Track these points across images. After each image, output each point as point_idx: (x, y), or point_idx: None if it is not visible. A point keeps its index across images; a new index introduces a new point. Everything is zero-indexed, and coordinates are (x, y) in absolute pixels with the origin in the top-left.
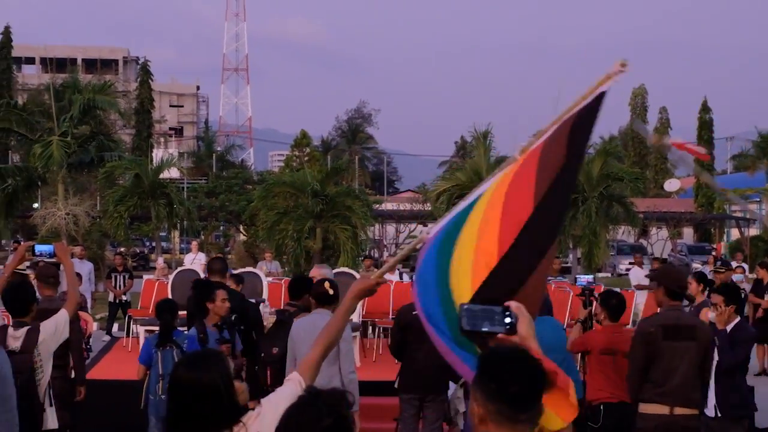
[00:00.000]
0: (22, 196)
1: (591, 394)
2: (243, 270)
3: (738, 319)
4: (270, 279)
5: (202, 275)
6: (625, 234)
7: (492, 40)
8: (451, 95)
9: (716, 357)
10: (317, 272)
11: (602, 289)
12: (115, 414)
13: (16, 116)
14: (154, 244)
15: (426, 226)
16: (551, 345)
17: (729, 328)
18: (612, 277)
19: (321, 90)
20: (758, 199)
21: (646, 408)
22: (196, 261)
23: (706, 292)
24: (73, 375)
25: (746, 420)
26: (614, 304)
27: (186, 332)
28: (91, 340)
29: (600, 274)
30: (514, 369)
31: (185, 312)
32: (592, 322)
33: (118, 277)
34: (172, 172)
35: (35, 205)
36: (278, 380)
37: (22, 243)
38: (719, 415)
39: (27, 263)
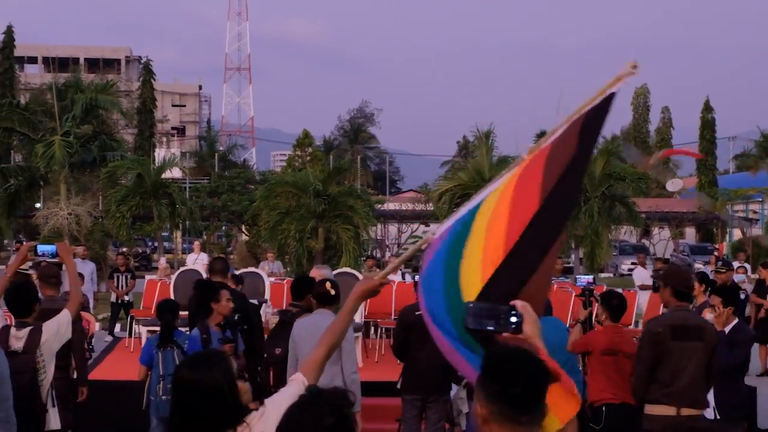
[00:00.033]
0: (25, 196)
1: (593, 395)
2: (245, 270)
3: (736, 320)
4: (272, 279)
5: (205, 275)
6: (627, 234)
7: (493, 40)
8: (454, 95)
9: None
10: (317, 273)
11: (603, 290)
12: (117, 414)
13: (19, 116)
14: (156, 244)
15: (428, 226)
16: (555, 345)
17: (727, 329)
18: (614, 277)
19: (323, 90)
20: (760, 199)
21: (652, 409)
22: (198, 261)
23: (708, 293)
24: (74, 375)
25: (745, 421)
26: (615, 304)
27: (187, 333)
28: (93, 340)
29: (602, 275)
30: (517, 370)
31: (187, 312)
32: (592, 323)
33: (121, 277)
34: (175, 172)
35: (37, 205)
36: (281, 381)
37: (24, 243)
38: (718, 416)
39: (29, 263)
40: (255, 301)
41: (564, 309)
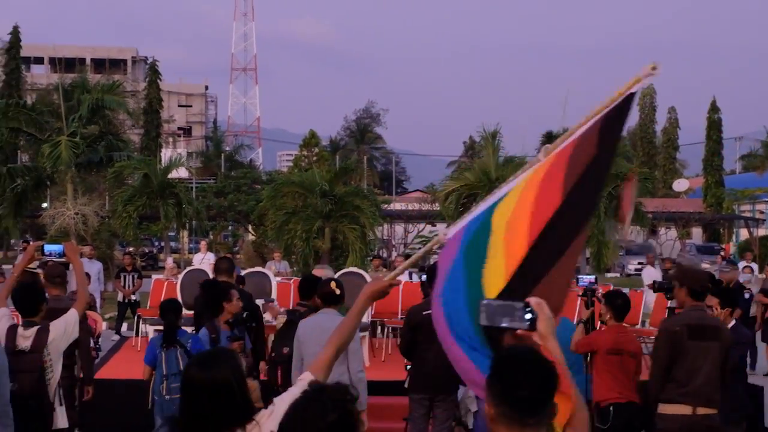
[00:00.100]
0: (31, 196)
1: (599, 395)
2: (252, 270)
3: (734, 321)
4: (279, 279)
5: (211, 275)
6: (633, 234)
7: (500, 41)
8: (460, 95)
9: None
10: (319, 273)
11: (609, 289)
12: (124, 414)
13: (25, 116)
14: (162, 243)
15: (435, 226)
16: (564, 345)
17: None
18: (621, 277)
19: (329, 90)
20: (767, 199)
21: (666, 408)
22: (205, 261)
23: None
24: (80, 374)
25: (744, 422)
26: (620, 304)
27: (192, 332)
28: (100, 339)
29: (609, 274)
30: (524, 372)
31: (193, 312)
32: (594, 323)
33: (127, 276)
34: (181, 172)
35: (44, 205)
36: (289, 380)
37: (31, 243)
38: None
39: (36, 263)
40: (262, 301)
41: (567, 309)
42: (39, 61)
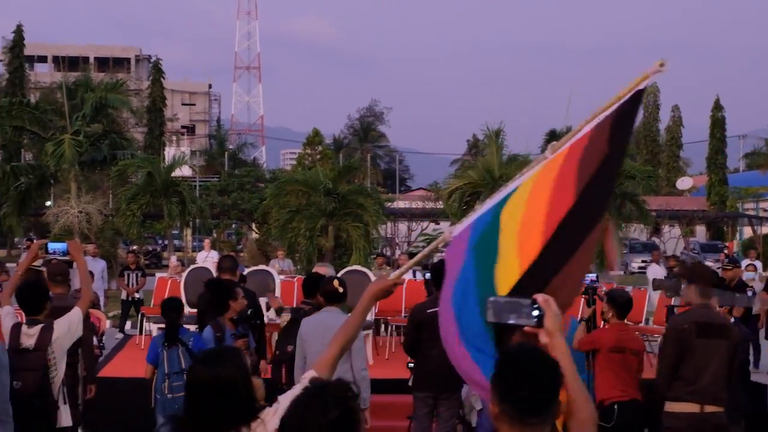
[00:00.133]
0: (35, 194)
1: (602, 394)
2: (255, 268)
3: (732, 319)
4: (282, 277)
5: (215, 273)
6: (637, 232)
7: (503, 39)
8: (463, 93)
9: None
10: (320, 270)
11: (611, 287)
12: (128, 412)
13: (29, 114)
14: (166, 242)
15: (438, 224)
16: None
17: None
18: (624, 275)
19: (333, 88)
20: None
21: (674, 406)
22: (208, 259)
23: None
24: (83, 373)
25: (743, 420)
26: (622, 302)
27: (193, 330)
28: (104, 337)
29: (612, 272)
30: (526, 372)
31: (196, 310)
32: (595, 321)
33: (131, 275)
34: (185, 170)
35: (48, 203)
36: (293, 378)
37: (35, 241)
38: None
39: (40, 261)
40: (266, 299)
41: (575, 306)
42: (42, 59)
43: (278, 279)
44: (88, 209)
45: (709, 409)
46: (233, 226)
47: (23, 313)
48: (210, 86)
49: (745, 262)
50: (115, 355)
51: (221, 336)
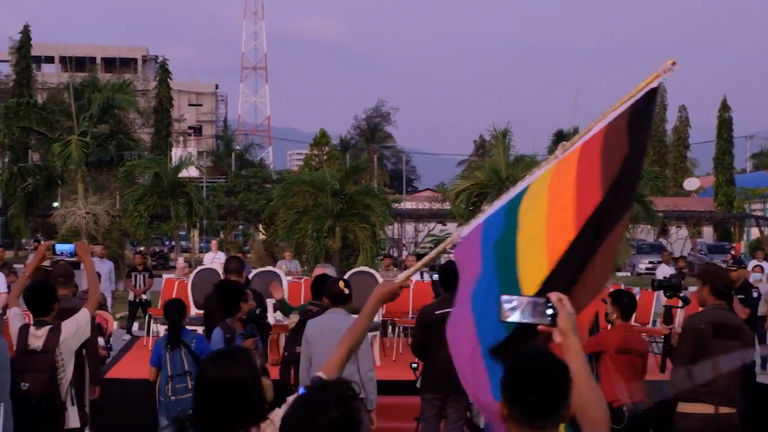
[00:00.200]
0: (42, 195)
1: (610, 395)
2: (262, 269)
3: None
4: (290, 278)
5: (222, 275)
6: (644, 233)
7: (511, 40)
8: (470, 94)
9: None
10: (321, 271)
11: (617, 288)
12: (135, 413)
13: (36, 115)
14: (173, 243)
15: (445, 225)
16: None
17: None
18: (632, 276)
19: (340, 89)
20: None
21: (687, 407)
22: (215, 260)
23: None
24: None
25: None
26: (626, 303)
27: (200, 331)
28: (111, 339)
29: (619, 273)
30: (535, 377)
31: (203, 311)
32: (598, 324)
33: (138, 276)
34: (192, 171)
35: (55, 204)
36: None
37: (42, 242)
38: None
39: (48, 262)
40: (273, 300)
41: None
42: (50, 60)
43: (285, 280)
44: (96, 210)
45: (724, 410)
46: (240, 227)
47: (31, 315)
48: (217, 87)
49: (752, 263)
50: (123, 357)
51: (231, 337)
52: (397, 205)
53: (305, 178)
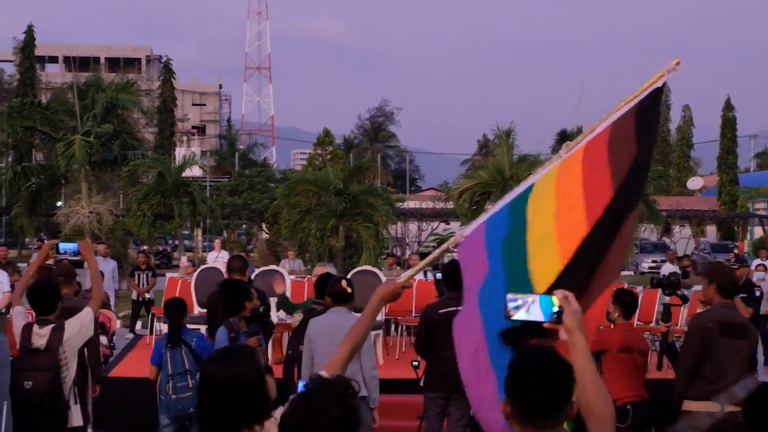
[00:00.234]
0: (46, 195)
1: (614, 394)
2: (266, 268)
3: None
4: (293, 277)
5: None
6: (647, 232)
7: (514, 39)
8: (474, 93)
9: None
10: (321, 270)
11: (619, 287)
12: (138, 412)
13: (40, 115)
14: (177, 242)
15: (449, 224)
16: None
17: None
18: (635, 275)
19: (343, 88)
20: None
21: (693, 405)
22: (219, 259)
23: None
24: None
25: None
26: (628, 302)
27: (203, 330)
28: (114, 337)
29: (623, 272)
30: (537, 377)
31: (206, 310)
32: None
33: (142, 275)
34: (195, 171)
35: (59, 204)
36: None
37: (46, 241)
38: None
39: (51, 261)
40: (275, 299)
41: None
42: (53, 60)
43: (289, 279)
44: (99, 209)
45: (730, 408)
46: (244, 226)
47: (34, 313)
48: (220, 86)
49: (755, 262)
50: (126, 355)
51: (236, 336)
52: (400, 204)
53: (309, 178)
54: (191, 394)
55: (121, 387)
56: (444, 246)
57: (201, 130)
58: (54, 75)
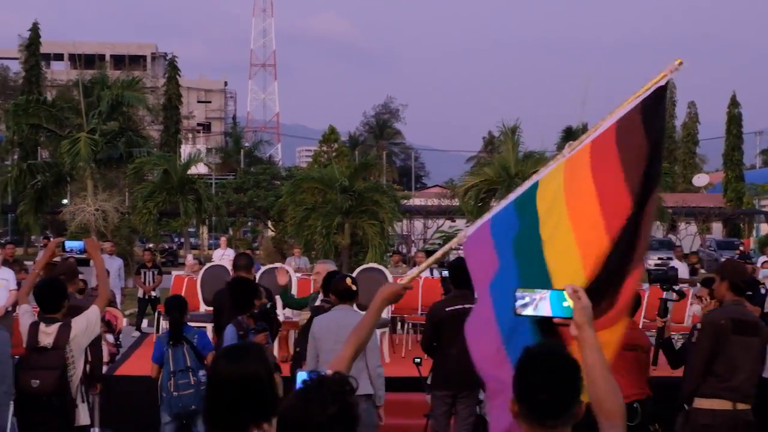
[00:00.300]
0: (52, 193)
1: (621, 392)
2: (271, 266)
3: None
4: (299, 275)
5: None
6: (653, 229)
7: (520, 36)
8: (479, 91)
9: None
10: (322, 268)
11: None
12: (145, 410)
13: (46, 112)
14: (182, 240)
15: (454, 221)
16: None
17: None
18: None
19: (348, 85)
20: None
21: (704, 403)
22: (225, 257)
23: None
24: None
25: None
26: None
27: (197, 328)
28: (120, 336)
29: None
30: (544, 376)
31: (213, 308)
32: None
33: (147, 272)
34: (200, 168)
35: (64, 201)
36: None
37: (51, 239)
38: None
39: (57, 259)
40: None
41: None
42: (59, 57)
43: (294, 277)
44: (105, 207)
45: (741, 406)
46: (249, 223)
47: (40, 311)
48: (226, 84)
49: (761, 259)
50: (132, 354)
51: (244, 334)
52: (406, 201)
53: (314, 175)
54: (193, 392)
55: (127, 385)
56: (446, 247)
57: (206, 127)
58: (59, 72)
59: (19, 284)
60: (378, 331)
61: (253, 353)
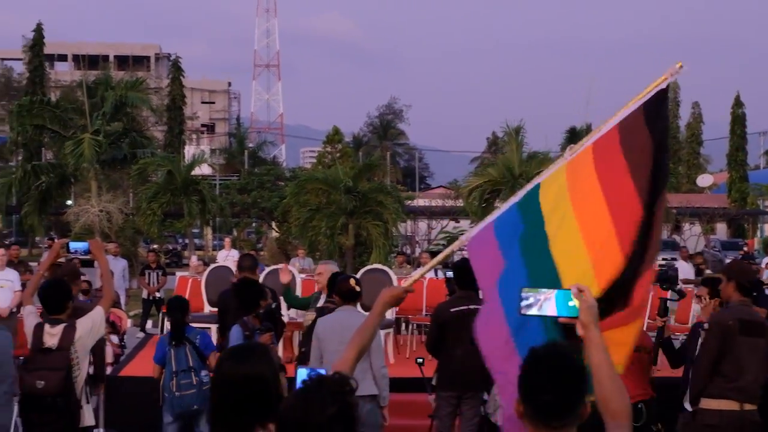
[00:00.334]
0: (56, 194)
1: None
2: (276, 266)
3: None
4: (303, 276)
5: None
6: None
7: (524, 36)
8: (483, 91)
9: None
10: (324, 268)
11: None
12: (149, 410)
13: (50, 113)
14: (187, 240)
15: (458, 222)
16: None
17: None
18: None
19: (352, 86)
20: None
21: (711, 403)
22: (229, 258)
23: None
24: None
25: None
26: None
27: (198, 328)
28: (125, 336)
29: None
30: (550, 377)
31: (217, 309)
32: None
33: (152, 273)
34: (204, 169)
35: (69, 202)
36: None
37: (56, 240)
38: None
39: (61, 260)
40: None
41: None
42: (63, 58)
43: (299, 278)
44: (109, 208)
45: (748, 407)
46: (253, 224)
47: (45, 312)
48: (229, 84)
49: (765, 260)
50: (137, 354)
51: (250, 335)
52: (410, 202)
53: (318, 176)
54: (195, 392)
55: (132, 386)
56: (449, 249)
57: (210, 128)
58: (63, 73)
59: (23, 285)
60: (382, 332)
61: (258, 353)
